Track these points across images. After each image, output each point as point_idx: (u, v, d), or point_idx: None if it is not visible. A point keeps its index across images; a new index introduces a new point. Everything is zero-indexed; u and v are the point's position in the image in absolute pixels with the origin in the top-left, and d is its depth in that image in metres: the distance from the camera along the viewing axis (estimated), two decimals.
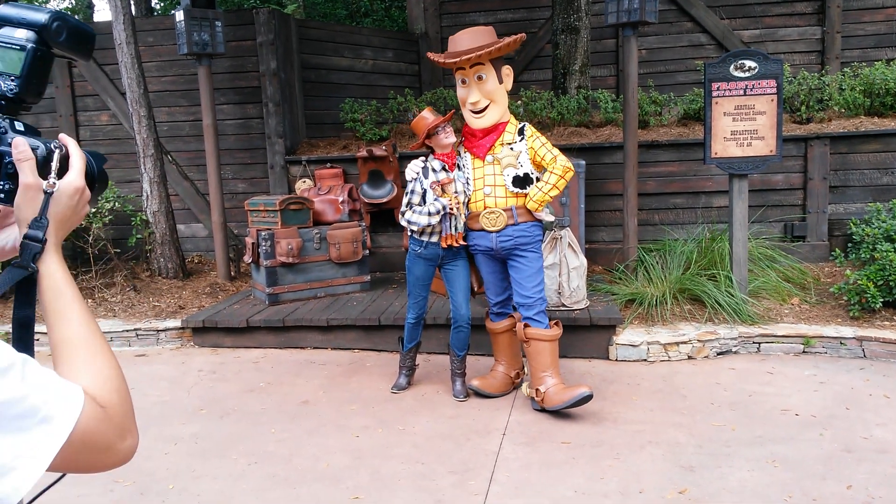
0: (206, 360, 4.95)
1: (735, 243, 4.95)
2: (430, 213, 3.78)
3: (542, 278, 3.82)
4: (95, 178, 0.98)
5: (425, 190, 3.84)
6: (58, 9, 1.04)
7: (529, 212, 3.77)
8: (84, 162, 0.94)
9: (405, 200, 3.89)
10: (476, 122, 3.80)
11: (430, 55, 3.86)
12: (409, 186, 3.89)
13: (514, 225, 3.77)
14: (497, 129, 3.79)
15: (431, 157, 3.89)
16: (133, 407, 0.88)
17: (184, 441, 3.61)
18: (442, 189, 3.78)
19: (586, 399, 3.60)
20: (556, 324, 3.85)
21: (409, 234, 4.01)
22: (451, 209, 3.78)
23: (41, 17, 0.94)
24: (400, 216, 3.92)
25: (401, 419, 3.78)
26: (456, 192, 3.81)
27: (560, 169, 3.69)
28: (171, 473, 3.26)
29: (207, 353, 5.11)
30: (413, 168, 3.88)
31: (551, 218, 3.91)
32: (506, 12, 8.71)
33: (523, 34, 3.83)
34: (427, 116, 3.85)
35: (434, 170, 3.85)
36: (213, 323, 5.19)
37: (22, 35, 0.93)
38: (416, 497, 2.97)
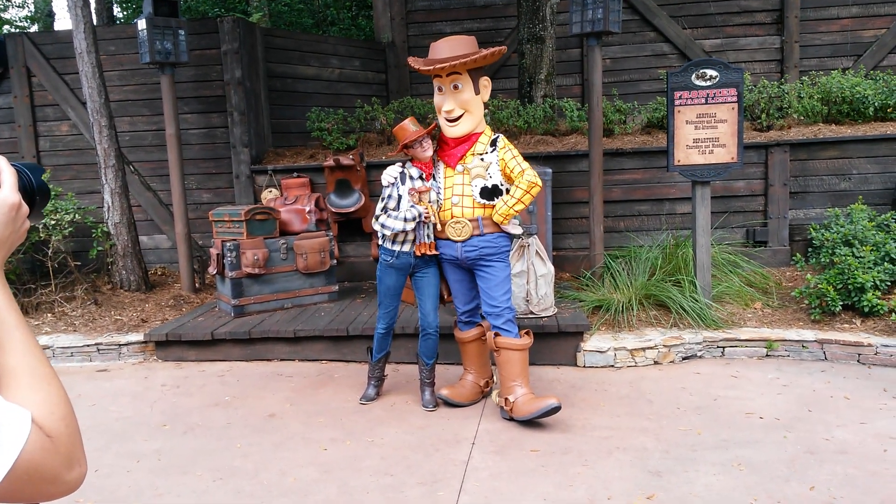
0: (169, 375, 4.85)
1: (698, 249, 5.02)
2: (405, 219, 3.77)
3: (510, 287, 3.83)
4: (35, 192, 0.95)
5: (401, 196, 3.83)
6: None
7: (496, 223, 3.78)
8: (15, 176, 0.89)
9: (380, 205, 3.88)
10: (449, 131, 3.80)
11: (410, 60, 3.86)
12: (386, 191, 3.87)
13: (479, 235, 3.76)
14: (470, 139, 3.79)
15: (410, 163, 3.90)
16: (80, 436, 0.85)
17: (146, 457, 3.53)
18: (419, 197, 3.78)
19: (554, 410, 3.61)
20: (527, 333, 3.85)
21: (379, 243, 3.98)
22: (427, 217, 3.79)
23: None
24: (374, 220, 3.90)
25: (369, 431, 3.75)
26: (430, 201, 3.82)
27: (525, 183, 3.67)
28: (133, 491, 3.18)
29: (171, 368, 5.02)
30: (390, 173, 3.86)
31: (519, 231, 3.90)
32: (472, 21, 8.76)
33: (503, 47, 3.82)
34: (408, 127, 3.85)
35: (412, 177, 3.85)
36: (176, 336, 5.10)
37: None
38: None
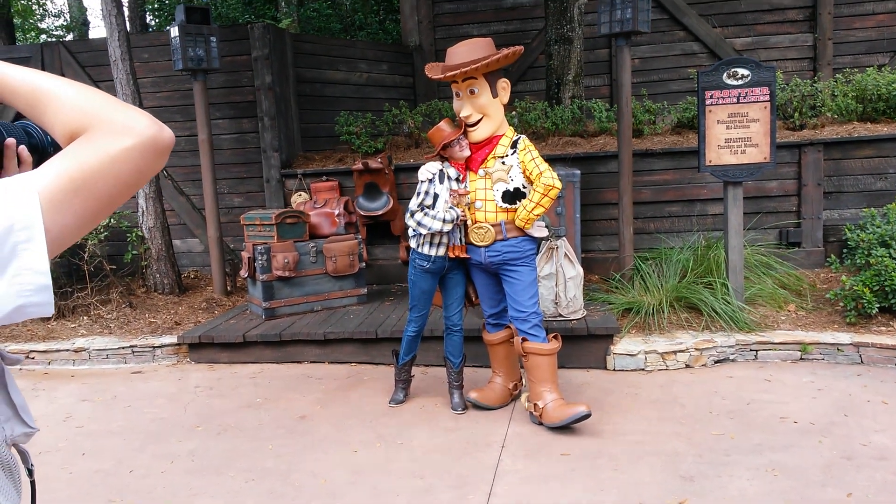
0: (202, 376, 4.93)
1: (731, 251, 4.95)
2: (444, 220, 3.76)
3: (536, 291, 3.80)
4: (48, 147, 0.98)
5: (437, 195, 3.84)
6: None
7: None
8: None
9: (415, 201, 3.84)
10: (469, 136, 3.81)
11: (427, 68, 3.86)
12: (422, 187, 3.85)
13: (503, 240, 3.73)
14: (491, 142, 3.78)
15: (447, 163, 3.91)
16: (118, 102, 0.86)
17: (181, 458, 3.59)
18: (459, 199, 3.78)
19: (584, 417, 3.58)
20: (555, 337, 3.82)
21: (412, 246, 3.99)
22: (462, 220, 3.80)
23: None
24: (408, 216, 3.86)
25: (399, 433, 3.77)
26: (466, 204, 3.83)
27: (542, 187, 3.59)
28: (168, 492, 3.24)
29: (204, 369, 5.10)
30: (429, 169, 3.85)
31: (544, 233, 3.85)
32: (499, 24, 8.76)
33: (520, 47, 3.78)
34: (444, 128, 3.86)
35: (450, 177, 3.86)
36: (209, 338, 5.18)
37: None
38: None
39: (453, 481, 3.21)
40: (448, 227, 3.78)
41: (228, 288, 6.48)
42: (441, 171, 3.86)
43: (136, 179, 0.83)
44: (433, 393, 4.35)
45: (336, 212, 6.03)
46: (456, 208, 3.78)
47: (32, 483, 1.04)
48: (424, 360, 4.80)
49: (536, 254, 3.91)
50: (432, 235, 3.84)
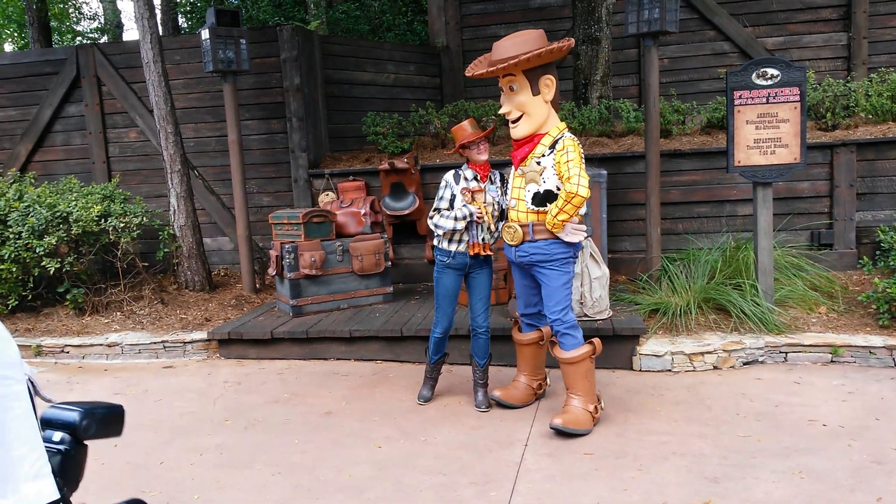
0: (231, 372, 5.01)
1: (760, 252, 4.89)
2: (456, 218, 3.85)
3: (566, 296, 3.71)
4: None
5: (454, 196, 3.90)
6: (88, 404, 1.17)
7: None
8: None
9: (434, 205, 3.99)
10: (511, 132, 3.78)
11: (470, 66, 3.79)
12: (440, 192, 3.97)
13: (530, 242, 3.69)
14: (532, 140, 3.69)
15: (466, 165, 3.96)
16: None
17: (209, 452, 3.66)
18: (472, 197, 3.83)
19: (582, 434, 3.61)
20: (590, 342, 3.72)
21: (434, 244, 4.05)
22: (479, 217, 3.83)
23: (73, 416, 1.07)
24: (428, 220, 4.00)
25: (423, 430, 3.79)
26: (485, 202, 3.85)
27: (565, 193, 3.51)
28: (196, 484, 3.30)
29: (233, 365, 5.18)
30: (446, 176, 3.99)
31: (576, 239, 3.68)
32: (527, 24, 8.74)
33: (570, 41, 3.63)
34: (465, 128, 3.91)
35: (466, 178, 3.93)
36: (238, 335, 5.26)
37: (58, 438, 1.06)
38: None
39: (476, 478, 3.22)
40: (461, 225, 3.83)
41: (257, 285, 6.57)
42: (457, 173, 3.95)
43: None
44: (457, 391, 4.37)
45: (362, 211, 6.08)
46: (470, 206, 3.82)
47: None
48: (449, 358, 4.81)
49: (573, 259, 3.76)
50: (452, 233, 3.89)
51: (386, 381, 4.63)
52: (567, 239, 3.65)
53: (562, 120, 6.52)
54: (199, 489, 3.25)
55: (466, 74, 3.79)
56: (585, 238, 4.75)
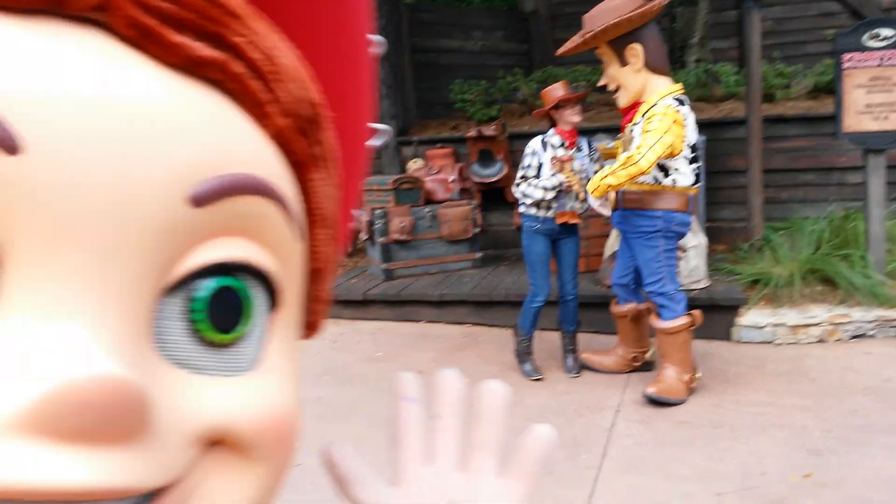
0: (329, 331, 5.20)
1: (871, 222, 4.62)
2: (545, 188, 3.78)
3: (658, 268, 3.60)
4: None
5: (541, 163, 3.85)
6: None
7: (639, 200, 3.55)
8: None
9: (519, 173, 3.92)
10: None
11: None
12: (525, 160, 3.90)
13: (618, 210, 3.63)
14: (633, 109, 3.59)
15: (552, 132, 3.89)
16: None
17: (311, 404, 3.83)
18: (561, 166, 3.77)
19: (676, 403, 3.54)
20: (689, 314, 3.64)
21: (521, 211, 4.02)
22: (568, 187, 3.77)
23: None
24: (514, 187, 3.94)
25: (513, 393, 3.80)
26: (574, 171, 3.79)
27: (624, 157, 3.35)
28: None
29: (330, 324, 5.34)
30: (532, 144, 3.91)
31: (605, 212, 3.61)
32: None
33: (655, 3, 3.43)
34: (558, 90, 3.84)
35: (553, 145, 3.85)
36: (333, 296, 5.43)
37: None
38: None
39: (566, 442, 3.23)
40: (550, 195, 3.76)
41: (350, 249, 6.76)
42: (543, 141, 3.86)
43: None
44: (547, 356, 4.37)
45: (451, 178, 6.12)
46: (559, 174, 3.75)
47: None
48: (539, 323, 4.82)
49: (661, 234, 3.59)
50: (540, 201, 3.84)
51: (475, 345, 4.69)
52: (594, 205, 3.54)
53: None
54: (301, 439, 3.41)
55: (556, 55, 3.73)
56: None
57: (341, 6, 0.41)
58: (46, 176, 0.26)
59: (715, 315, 4.48)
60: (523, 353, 4.16)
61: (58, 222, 0.26)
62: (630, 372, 4.06)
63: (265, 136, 0.32)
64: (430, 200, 5.98)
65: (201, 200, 0.29)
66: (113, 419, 0.25)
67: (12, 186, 0.26)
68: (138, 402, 0.26)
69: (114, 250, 0.27)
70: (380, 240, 5.66)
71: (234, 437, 0.31)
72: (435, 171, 6.29)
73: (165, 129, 0.28)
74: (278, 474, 0.35)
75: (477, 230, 5.95)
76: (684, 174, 3.53)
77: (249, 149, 0.31)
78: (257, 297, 0.32)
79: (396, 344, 4.79)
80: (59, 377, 0.24)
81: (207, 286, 0.30)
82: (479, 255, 5.97)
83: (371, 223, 5.75)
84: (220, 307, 0.30)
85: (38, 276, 0.27)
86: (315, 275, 0.38)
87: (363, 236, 5.90)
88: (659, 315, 3.66)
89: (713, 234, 5.79)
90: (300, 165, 0.35)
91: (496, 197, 6.64)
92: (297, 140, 0.34)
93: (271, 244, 0.32)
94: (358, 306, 5.40)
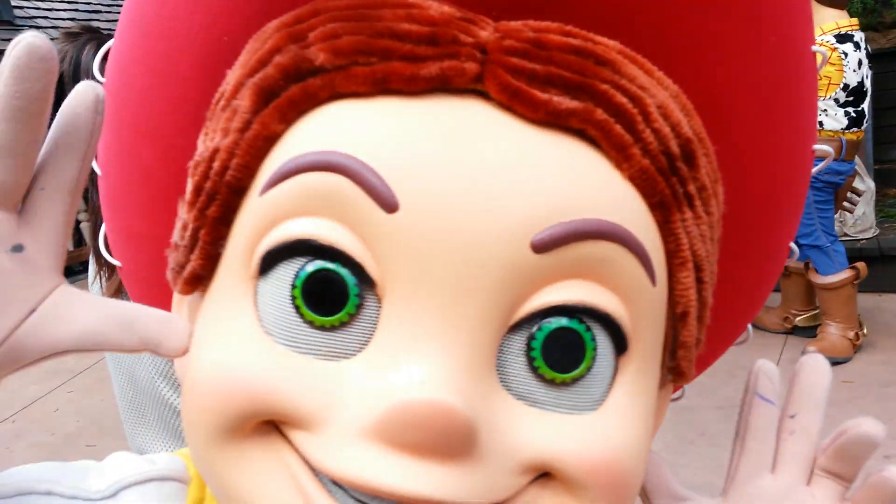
0: None
1: None
2: None
3: (807, 222, 3.38)
4: None
5: None
6: None
7: None
8: None
9: None
10: None
11: None
12: None
13: None
14: None
15: None
16: None
17: None
18: None
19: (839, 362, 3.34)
20: (853, 267, 3.46)
21: None
22: None
23: None
24: None
25: None
26: None
27: None
28: None
29: None
30: None
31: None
32: None
33: None
34: None
35: None
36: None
37: None
38: (680, 430, 3.05)
39: (719, 402, 3.20)
40: None
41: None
42: None
43: None
44: None
45: None
46: None
47: None
48: None
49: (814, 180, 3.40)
50: None
51: None
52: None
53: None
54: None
55: None
56: None
57: (756, 19, 0.38)
58: (415, 230, 0.30)
59: (884, 266, 4.18)
60: None
61: (422, 268, 0.30)
62: (788, 333, 3.90)
63: (623, 179, 0.33)
64: None
65: (544, 247, 0.31)
66: (441, 438, 0.28)
67: (389, 240, 0.30)
68: (463, 426, 0.28)
69: (465, 292, 0.30)
70: None
71: (562, 472, 0.32)
72: None
73: (520, 183, 0.31)
74: None
75: None
76: (833, 116, 3.32)
77: (601, 194, 0.32)
78: (600, 339, 0.32)
79: None
80: (401, 397, 0.29)
81: (546, 327, 0.31)
82: None
83: None
84: (560, 347, 0.32)
85: (404, 311, 0.31)
86: (680, 319, 0.37)
87: None
88: (816, 270, 3.50)
89: (883, 178, 5.30)
90: (663, 206, 0.34)
91: None
92: (659, 181, 0.33)
93: (619, 287, 0.32)
94: None
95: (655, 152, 0.33)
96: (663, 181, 0.33)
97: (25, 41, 0.29)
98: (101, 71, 0.45)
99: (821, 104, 3.30)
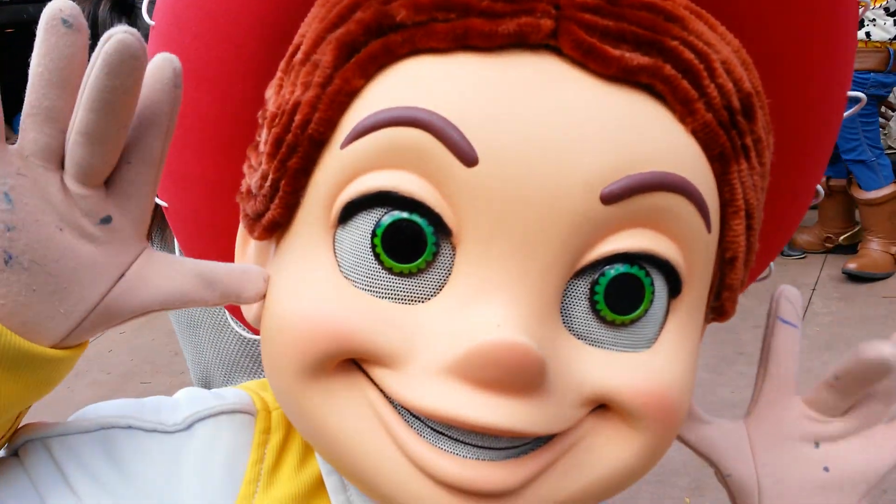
0: None
1: None
2: None
3: (850, 136, 3.29)
4: None
5: None
6: None
7: None
8: None
9: None
10: None
11: None
12: None
13: None
14: None
15: None
16: None
17: None
18: None
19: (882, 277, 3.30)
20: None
21: None
22: None
23: None
24: None
25: None
26: None
27: None
28: None
29: None
30: None
31: None
32: None
33: None
34: None
35: None
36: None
37: None
38: (719, 349, 3.06)
39: (758, 321, 3.18)
40: None
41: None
42: None
43: None
44: None
45: None
46: None
47: None
48: None
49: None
50: None
51: None
52: None
53: None
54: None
55: None
56: None
57: None
58: (492, 182, 0.32)
59: None
60: None
61: (497, 218, 0.32)
62: (827, 252, 3.83)
63: (687, 133, 0.34)
64: None
65: (612, 198, 0.32)
66: (516, 375, 0.31)
67: (467, 192, 0.32)
68: (536, 364, 0.31)
69: (536, 241, 0.32)
70: None
71: (619, 405, 0.35)
72: None
73: (591, 137, 0.32)
74: (658, 446, 0.37)
75: None
76: (881, 26, 3.15)
77: (666, 147, 0.33)
78: (658, 284, 0.34)
79: None
80: (480, 339, 0.31)
81: (609, 273, 0.34)
82: None
83: None
84: (621, 291, 0.34)
85: (478, 258, 0.33)
86: (728, 263, 0.39)
87: None
88: (859, 185, 3.41)
89: None
90: (723, 158, 0.36)
91: None
92: (721, 134, 0.35)
93: (677, 235, 0.34)
94: None
95: (718, 107, 0.34)
96: (724, 135, 0.35)
97: (117, 37, 0.29)
98: (150, 13, 0.46)
99: (869, 13, 3.13)
